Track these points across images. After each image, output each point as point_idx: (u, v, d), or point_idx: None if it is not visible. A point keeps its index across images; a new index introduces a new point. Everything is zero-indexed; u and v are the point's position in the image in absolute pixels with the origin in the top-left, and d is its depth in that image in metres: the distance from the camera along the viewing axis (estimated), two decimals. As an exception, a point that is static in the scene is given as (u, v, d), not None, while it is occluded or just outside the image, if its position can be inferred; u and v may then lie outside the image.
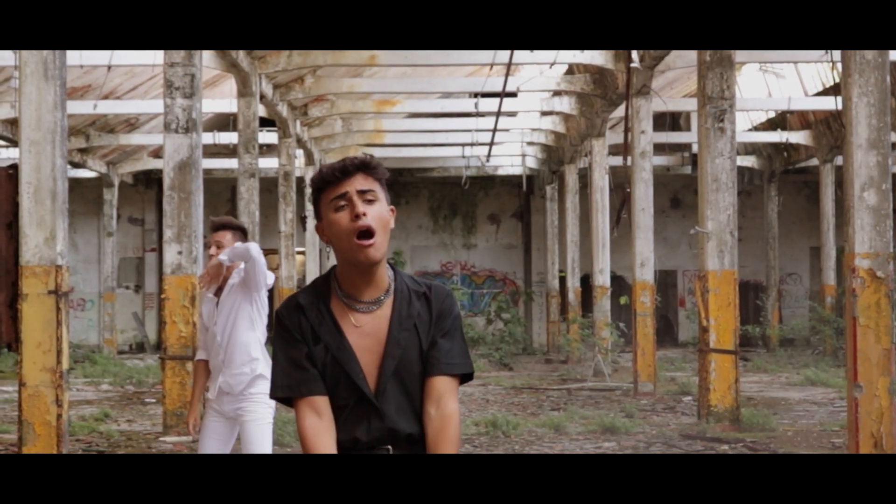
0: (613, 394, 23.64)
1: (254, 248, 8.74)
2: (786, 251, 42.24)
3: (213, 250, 9.01)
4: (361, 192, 4.25)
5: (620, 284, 38.09)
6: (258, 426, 8.93)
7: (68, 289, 11.90)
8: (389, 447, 4.33)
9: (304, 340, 4.33)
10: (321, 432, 4.32)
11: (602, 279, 29.45)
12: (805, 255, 43.45)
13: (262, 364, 8.95)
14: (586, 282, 35.46)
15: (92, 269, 42.00)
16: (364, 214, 4.21)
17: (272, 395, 4.41)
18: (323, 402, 4.33)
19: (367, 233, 4.22)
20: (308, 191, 34.38)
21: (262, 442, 8.93)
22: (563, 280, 37.75)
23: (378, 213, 4.26)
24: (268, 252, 40.16)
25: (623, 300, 26.11)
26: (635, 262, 22.86)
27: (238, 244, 8.89)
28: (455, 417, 4.38)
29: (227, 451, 9.24)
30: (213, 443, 9.12)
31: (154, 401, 22.05)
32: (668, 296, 42.53)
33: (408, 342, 4.34)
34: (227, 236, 9.08)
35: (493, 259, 43.76)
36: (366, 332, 4.34)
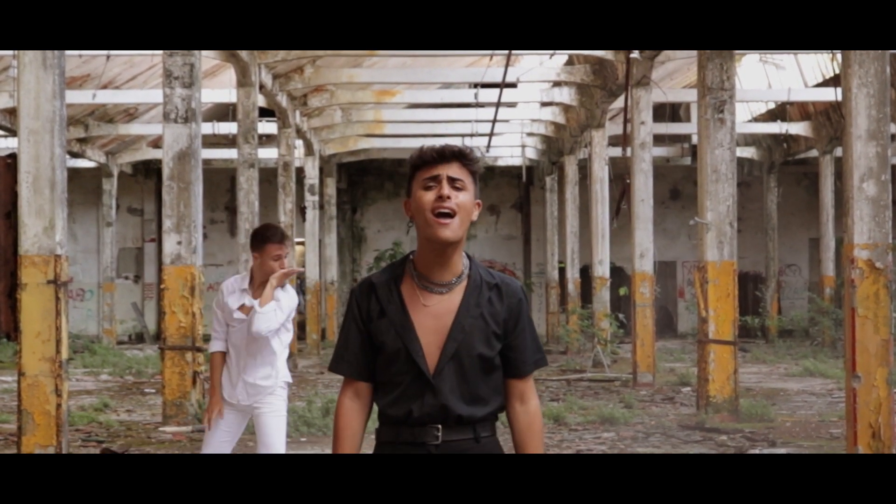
0: (613, 384, 23.66)
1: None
2: (785, 242, 42.23)
3: (283, 262, 9.08)
4: (452, 179, 4.51)
5: (620, 275, 38.07)
6: (274, 418, 9.00)
7: (67, 278, 11.90)
8: (440, 426, 4.52)
9: (368, 321, 4.60)
10: (355, 413, 4.63)
11: (601, 270, 29.44)
12: (804, 246, 43.45)
13: (283, 373, 9.05)
14: (586, 273, 35.44)
15: (91, 260, 42.00)
16: (448, 198, 4.46)
17: (329, 368, 4.75)
18: (365, 387, 4.66)
19: (447, 214, 4.46)
20: (308, 182, 34.41)
21: (277, 433, 9.00)
22: (562, 271, 37.75)
23: (463, 200, 4.51)
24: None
25: (622, 291, 26.12)
26: (635, 252, 22.86)
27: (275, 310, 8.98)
28: (539, 414, 4.71)
29: (234, 441, 9.26)
30: (222, 433, 9.15)
31: (153, 391, 22.05)
32: (668, 287, 42.54)
33: (472, 328, 4.54)
34: (286, 248, 9.21)
35: (493, 250, 43.76)
36: (433, 312, 4.56)
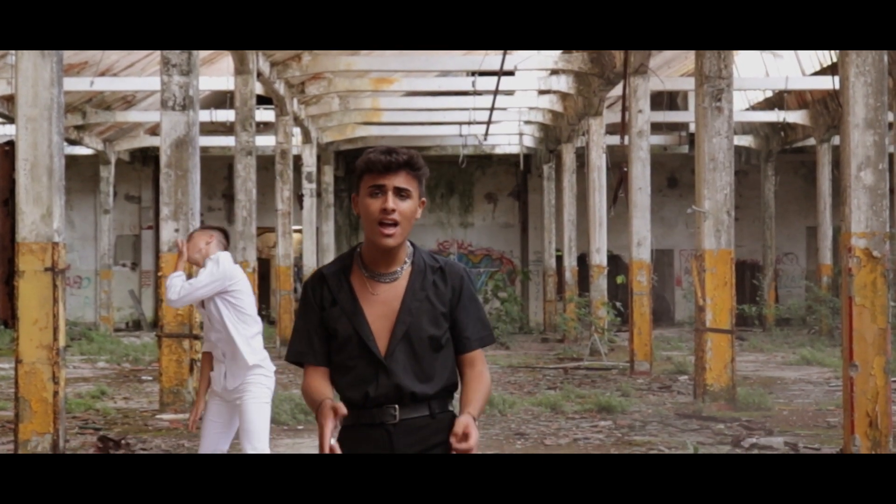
0: (610, 373, 23.67)
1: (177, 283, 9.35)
2: (782, 231, 42.25)
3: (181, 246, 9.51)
4: (398, 190, 4.72)
5: (617, 264, 38.11)
6: (255, 404, 9.03)
7: (65, 266, 11.90)
8: (396, 406, 4.77)
9: (321, 309, 4.87)
10: (319, 383, 4.83)
11: (599, 258, 29.45)
12: (801, 235, 43.46)
13: (256, 356, 9.10)
14: (583, 261, 35.44)
15: (89, 247, 42.00)
16: (393, 210, 4.70)
17: (287, 358, 4.97)
18: (325, 371, 4.88)
19: (390, 223, 4.72)
20: (305, 170, 34.39)
21: (258, 419, 9.01)
22: (559, 259, 37.73)
23: (406, 208, 4.75)
24: (264, 230, 40.20)
25: (620, 279, 26.12)
26: (632, 241, 22.88)
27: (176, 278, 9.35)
28: (486, 377, 4.94)
29: (231, 433, 9.28)
30: (215, 425, 9.20)
31: (151, 378, 22.06)
32: (665, 275, 42.53)
33: (419, 311, 4.82)
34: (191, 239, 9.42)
35: (490, 238, 43.76)
36: (381, 299, 4.83)
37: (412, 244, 4.94)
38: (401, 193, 4.72)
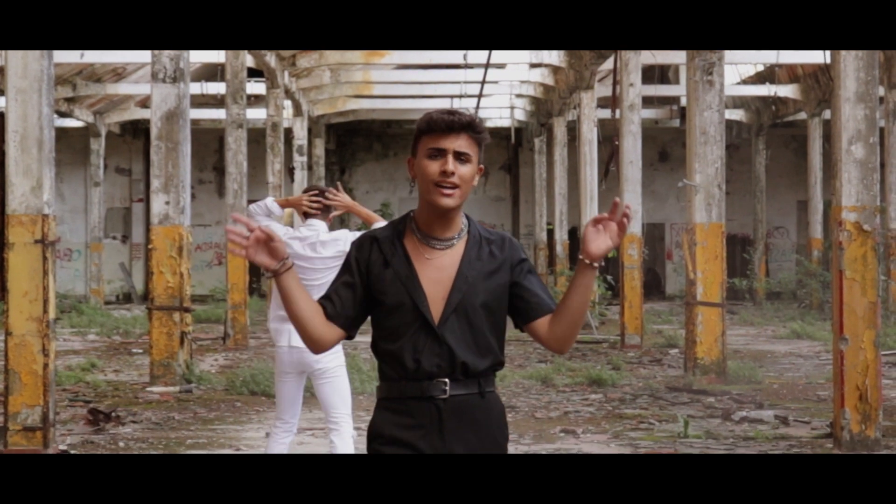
0: (600, 346, 23.71)
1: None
2: (773, 205, 42.27)
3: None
4: (458, 154, 4.58)
5: (608, 237, 38.04)
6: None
7: (55, 238, 11.88)
8: (447, 380, 4.58)
9: (368, 273, 4.67)
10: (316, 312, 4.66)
11: (590, 232, 29.36)
12: (792, 209, 43.50)
13: None
14: (574, 234, 35.51)
15: (79, 220, 41.95)
16: (452, 173, 4.56)
17: None
18: (339, 331, 4.68)
19: (450, 187, 4.58)
20: (296, 143, 34.34)
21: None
22: (550, 233, 37.75)
23: (466, 172, 4.60)
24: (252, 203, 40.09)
25: (611, 253, 26.10)
26: (623, 214, 22.85)
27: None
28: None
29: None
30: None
31: (141, 351, 22.06)
32: (656, 249, 42.58)
33: (476, 279, 4.63)
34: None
35: (482, 211, 43.74)
36: (436, 265, 4.65)
37: (467, 216, 4.76)
38: (460, 157, 4.57)
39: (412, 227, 4.72)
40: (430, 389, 4.57)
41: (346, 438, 9.03)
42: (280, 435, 9.13)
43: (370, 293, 4.67)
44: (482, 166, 4.69)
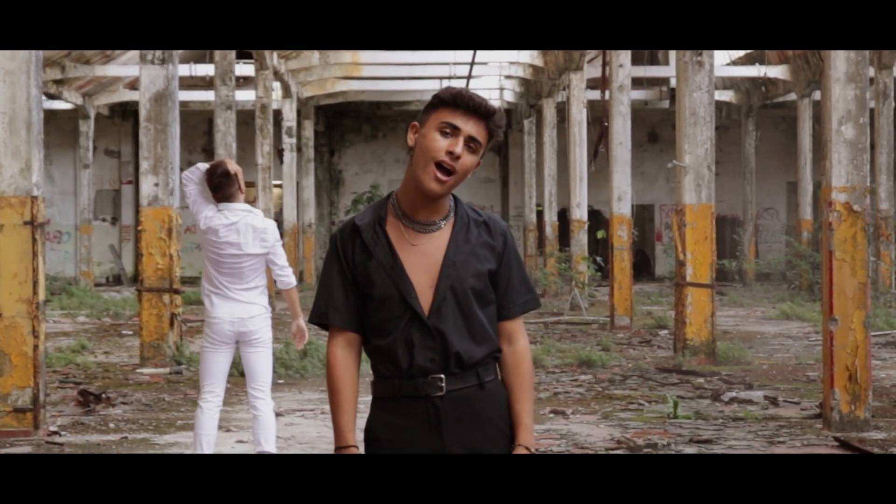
0: (590, 327, 23.74)
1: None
2: (763, 186, 42.30)
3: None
4: (470, 139, 4.36)
5: (598, 218, 38.12)
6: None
7: (44, 220, 11.87)
8: (442, 375, 4.38)
9: (353, 266, 4.44)
10: (350, 363, 4.45)
11: (579, 213, 29.42)
12: (782, 190, 43.55)
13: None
14: (564, 216, 35.48)
15: (68, 202, 41.88)
16: (458, 157, 4.33)
17: (310, 320, 4.57)
18: (355, 338, 4.48)
19: (448, 170, 4.33)
20: (285, 125, 34.28)
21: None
22: (540, 214, 37.76)
23: (469, 161, 4.37)
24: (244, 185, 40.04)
25: (600, 234, 26.16)
26: (613, 196, 22.91)
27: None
28: (527, 353, 4.56)
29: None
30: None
31: (131, 333, 22.05)
32: (646, 230, 42.64)
33: (464, 264, 4.41)
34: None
35: (471, 193, 43.70)
36: (422, 251, 4.41)
37: (454, 197, 4.49)
38: (470, 144, 4.35)
39: (395, 211, 4.46)
40: (424, 387, 4.37)
41: (269, 406, 9.46)
42: (213, 410, 9.43)
43: (359, 286, 4.44)
44: (480, 161, 4.47)
